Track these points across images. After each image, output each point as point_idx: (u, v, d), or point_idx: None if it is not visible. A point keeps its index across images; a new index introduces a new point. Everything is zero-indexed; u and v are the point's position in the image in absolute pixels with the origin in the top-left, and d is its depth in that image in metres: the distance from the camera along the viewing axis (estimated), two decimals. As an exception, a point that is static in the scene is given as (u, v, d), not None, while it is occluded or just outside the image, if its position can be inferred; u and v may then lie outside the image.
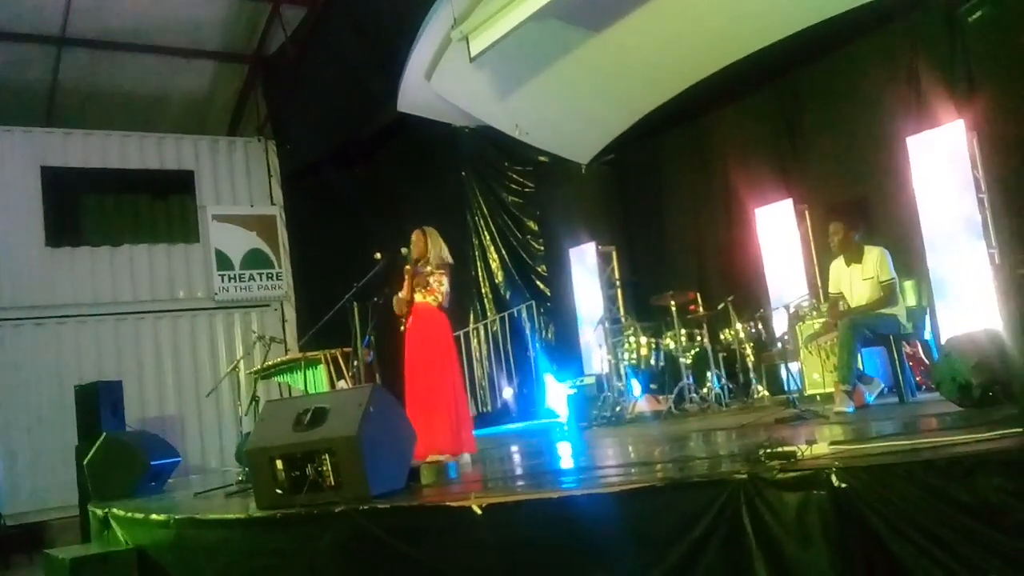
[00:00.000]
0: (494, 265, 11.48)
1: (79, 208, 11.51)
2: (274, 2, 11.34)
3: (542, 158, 11.22)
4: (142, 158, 11.63)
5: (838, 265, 6.09)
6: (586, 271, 10.36)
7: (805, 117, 9.16)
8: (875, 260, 5.81)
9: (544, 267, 11.31)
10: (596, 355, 9.45)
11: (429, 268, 5.81)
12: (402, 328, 5.87)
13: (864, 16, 7.92)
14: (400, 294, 5.81)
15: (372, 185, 12.48)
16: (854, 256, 5.93)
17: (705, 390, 7.95)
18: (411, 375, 5.68)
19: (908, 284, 6.81)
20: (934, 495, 2.48)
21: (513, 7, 8.05)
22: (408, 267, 5.80)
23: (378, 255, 5.94)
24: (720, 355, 8.17)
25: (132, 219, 11.78)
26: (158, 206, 12.05)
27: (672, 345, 8.10)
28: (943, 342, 5.63)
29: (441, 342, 5.75)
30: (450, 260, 5.93)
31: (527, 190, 11.42)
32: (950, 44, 7.33)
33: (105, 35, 11.09)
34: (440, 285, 5.74)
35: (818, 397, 6.47)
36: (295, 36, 11.44)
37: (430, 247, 5.86)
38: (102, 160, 11.34)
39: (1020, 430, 2.69)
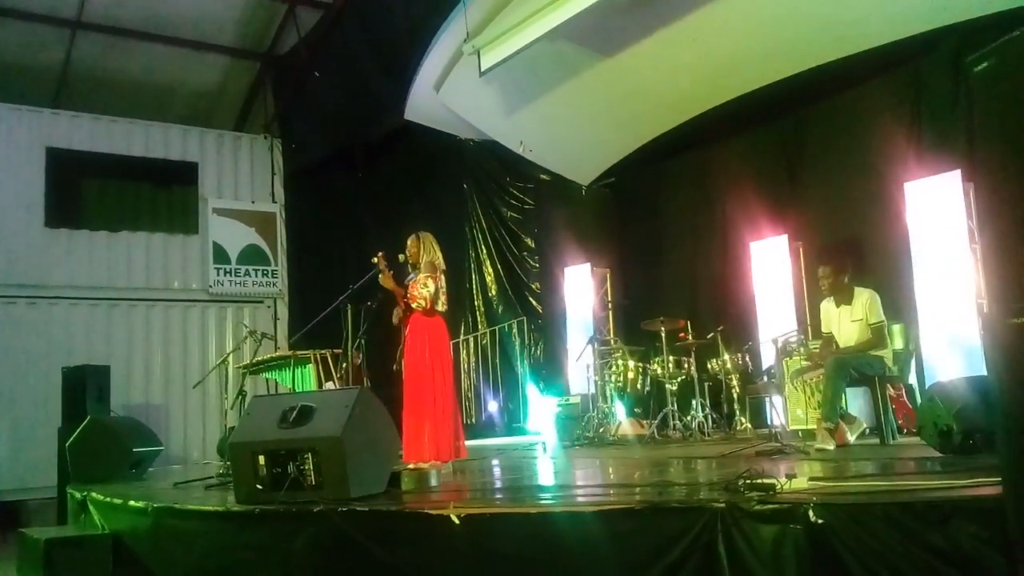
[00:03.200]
0: (488, 279, 11.52)
1: (81, 191, 11.53)
2: (290, 2, 11.42)
3: (543, 176, 11.30)
4: (147, 146, 11.67)
5: (828, 306, 6.13)
6: (579, 291, 10.40)
7: (805, 155, 9.23)
8: (864, 302, 5.85)
9: (538, 284, 11.35)
10: (583, 375, 9.48)
11: (419, 275, 5.83)
12: (395, 320, 5.91)
13: (871, 60, 8.04)
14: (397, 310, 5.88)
15: (373, 190, 12.52)
16: (844, 298, 5.97)
17: (688, 418, 7.97)
18: (405, 381, 5.71)
19: (896, 327, 6.87)
20: (909, 538, 2.51)
21: (526, 25, 8.14)
22: (380, 277, 5.83)
23: (375, 259, 5.97)
24: (706, 384, 8.20)
25: (133, 206, 11.80)
26: (159, 195, 12.07)
27: (659, 371, 8.14)
28: (927, 387, 5.69)
29: (428, 349, 5.73)
30: (442, 266, 5.94)
31: (527, 207, 11.48)
32: (954, 93, 7.43)
33: (120, 22, 11.14)
34: (423, 288, 5.70)
35: (800, 433, 6.49)
36: (308, 37, 11.50)
37: (422, 252, 5.88)
38: (107, 145, 11.38)
39: (998, 479, 2.73)
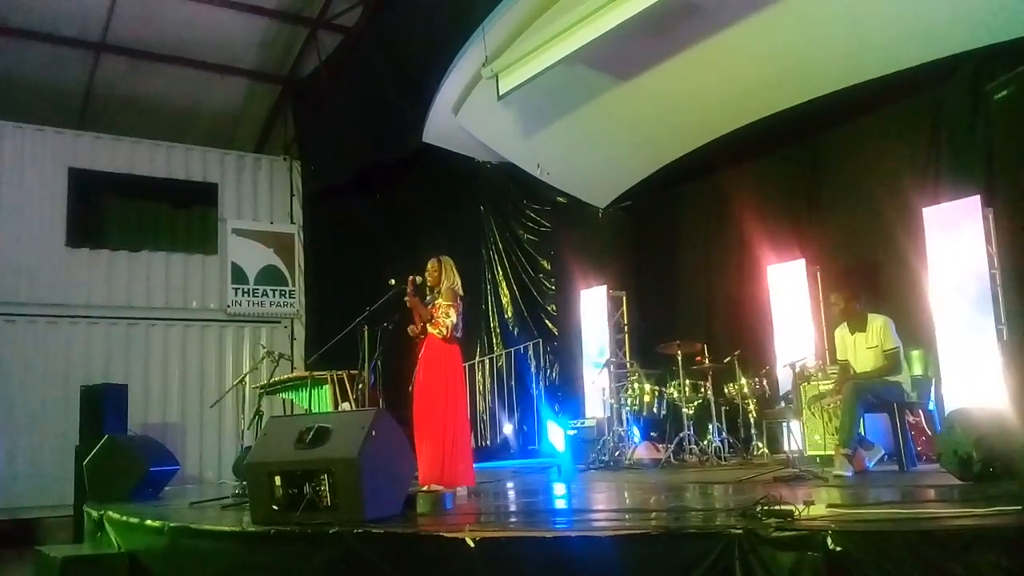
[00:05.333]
0: (505, 301, 11.54)
1: (102, 211, 11.70)
2: (311, 26, 11.56)
3: (560, 199, 11.33)
4: (168, 167, 11.84)
5: (842, 333, 6.10)
6: (595, 314, 10.39)
7: (824, 180, 9.20)
8: (878, 328, 5.82)
9: (554, 307, 11.34)
10: (598, 398, 9.44)
11: (439, 300, 5.83)
12: (412, 332, 5.93)
13: (890, 85, 8.03)
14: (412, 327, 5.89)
15: (391, 212, 12.61)
16: (858, 324, 5.95)
17: (705, 442, 7.92)
18: (415, 404, 5.71)
19: (915, 353, 6.82)
20: (929, 567, 2.48)
21: (544, 50, 8.20)
22: (406, 299, 5.83)
23: (392, 281, 5.98)
24: (723, 408, 8.15)
25: (153, 226, 11.96)
26: (179, 215, 12.23)
27: (675, 394, 8.10)
28: (947, 414, 5.63)
29: (443, 374, 5.73)
30: (460, 292, 5.96)
31: (543, 229, 11.50)
32: (972, 119, 7.40)
33: (144, 44, 11.34)
34: (446, 318, 5.73)
35: (818, 459, 6.43)
36: (329, 61, 11.64)
37: (443, 277, 5.89)
38: (129, 166, 11.56)
39: (1019, 508, 2.70)
